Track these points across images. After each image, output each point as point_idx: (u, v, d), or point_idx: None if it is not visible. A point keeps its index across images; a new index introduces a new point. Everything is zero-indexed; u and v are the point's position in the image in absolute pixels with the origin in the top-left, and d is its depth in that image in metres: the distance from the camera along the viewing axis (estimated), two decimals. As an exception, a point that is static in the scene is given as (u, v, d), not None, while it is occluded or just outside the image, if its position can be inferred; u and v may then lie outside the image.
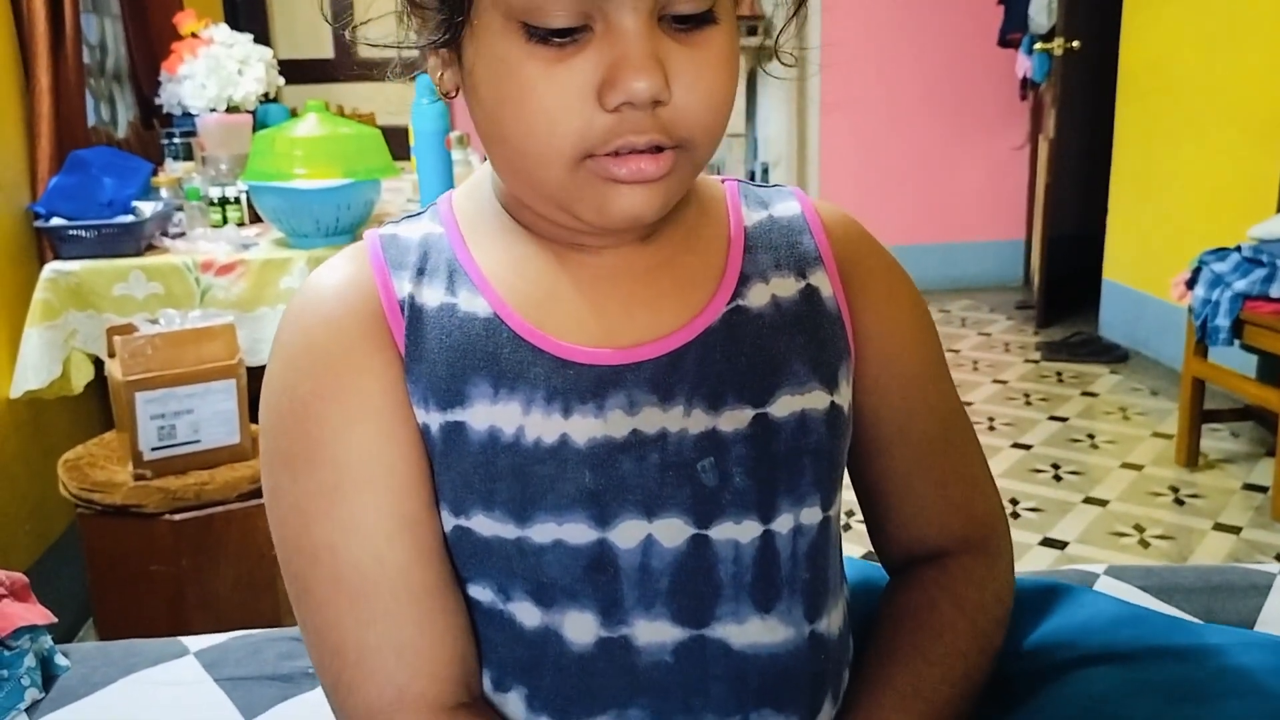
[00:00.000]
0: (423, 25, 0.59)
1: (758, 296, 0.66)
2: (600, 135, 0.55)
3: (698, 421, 0.62)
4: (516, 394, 0.61)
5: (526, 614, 0.63)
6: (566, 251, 0.64)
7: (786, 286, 0.67)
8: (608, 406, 0.61)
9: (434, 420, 0.62)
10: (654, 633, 0.62)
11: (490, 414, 0.61)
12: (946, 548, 0.73)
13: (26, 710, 0.92)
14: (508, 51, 0.55)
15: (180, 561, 1.77)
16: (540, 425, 0.61)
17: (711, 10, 0.56)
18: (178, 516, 1.75)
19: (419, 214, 0.69)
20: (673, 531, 0.62)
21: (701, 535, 0.62)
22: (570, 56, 0.54)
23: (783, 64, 0.66)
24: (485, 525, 0.61)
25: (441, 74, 0.61)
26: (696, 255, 0.67)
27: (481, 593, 0.64)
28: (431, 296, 0.64)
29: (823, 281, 0.69)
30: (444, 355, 0.62)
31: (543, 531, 0.61)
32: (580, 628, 0.62)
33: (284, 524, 0.63)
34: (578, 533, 0.61)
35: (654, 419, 0.62)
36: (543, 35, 0.54)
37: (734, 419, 0.63)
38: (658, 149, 0.56)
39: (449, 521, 0.63)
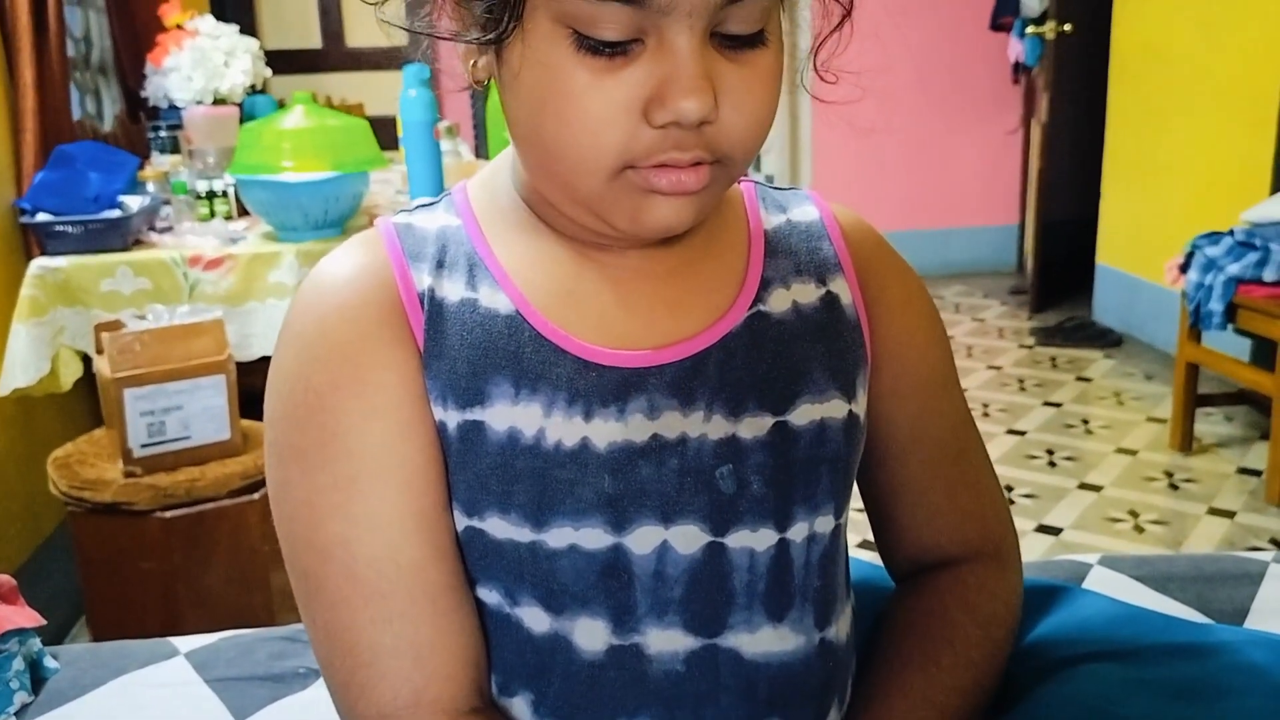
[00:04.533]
0: (463, 19, 0.57)
1: (779, 302, 0.66)
2: (644, 149, 0.54)
3: (718, 427, 0.62)
4: (538, 395, 0.60)
5: (535, 619, 0.62)
6: (588, 250, 0.63)
7: (807, 293, 0.67)
8: (629, 410, 0.60)
9: (452, 419, 0.60)
10: (666, 641, 0.61)
11: (510, 415, 0.60)
12: (957, 556, 0.72)
13: (15, 714, 0.91)
14: (555, 57, 0.54)
15: (172, 559, 1.76)
16: (561, 428, 0.60)
17: (763, 31, 0.56)
18: (169, 513, 1.74)
19: (432, 203, 0.68)
20: (689, 538, 0.61)
21: (717, 543, 0.61)
22: (620, 68, 0.53)
23: (824, 81, 0.64)
24: (499, 527, 0.60)
25: (475, 62, 0.59)
26: (717, 258, 0.66)
27: (489, 595, 0.63)
28: (452, 291, 0.62)
29: (842, 289, 0.68)
30: (464, 353, 0.61)
31: (559, 536, 0.59)
32: (591, 635, 0.61)
33: (293, 519, 0.61)
34: (593, 538, 0.60)
35: (674, 424, 0.61)
36: (593, 45, 0.53)
37: (754, 426, 0.62)
38: (698, 163, 0.56)
39: (461, 522, 0.62)
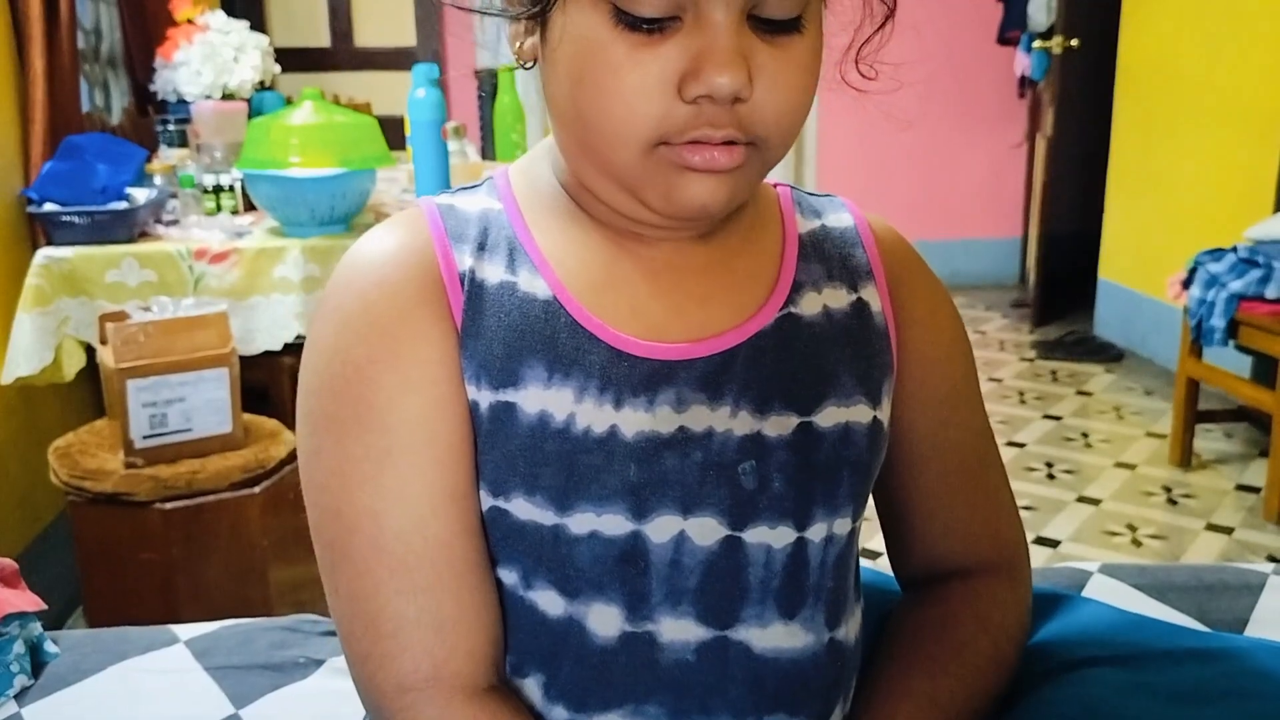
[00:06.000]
0: None
1: (810, 305, 0.66)
2: (677, 125, 0.55)
3: (743, 424, 0.62)
4: (570, 380, 0.61)
5: (550, 603, 0.62)
6: (624, 240, 0.64)
7: (838, 298, 0.68)
8: (658, 401, 0.61)
9: (484, 398, 0.61)
10: (678, 630, 0.62)
11: (543, 398, 0.60)
12: (970, 567, 0.73)
13: (15, 697, 0.91)
14: (595, 31, 0.55)
15: (170, 550, 1.76)
16: (591, 414, 0.60)
17: (800, 17, 0.56)
18: (168, 505, 1.74)
19: (474, 187, 0.68)
20: (706, 530, 0.61)
21: (735, 537, 0.62)
22: (657, 44, 0.54)
23: (863, 75, 0.65)
24: (524, 509, 0.61)
25: (521, 43, 0.61)
26: (751, 258, 0.67)
27: (507, 576, 0.63)
28: (492, 273, 0.63)
29: (873, 296, 0.69)
30: (501, 334, 0.61)
31: (581, 521, 0.60)
32: (605, 620, 0.61)
33: (323, 489, 0.62)
34: (614, 524, 0.60)
35: (701, 417, 0.62)
36: (632, 21, 0.54)
37: (779, 425, 0.63)
38: (730, 143, 0.56)
39: (486, 501, 0.62)
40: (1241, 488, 2.75)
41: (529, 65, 0.62)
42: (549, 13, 0.57)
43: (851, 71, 0.64)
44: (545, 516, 0.60)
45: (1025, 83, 4.53)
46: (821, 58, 0.59)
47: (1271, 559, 2.38)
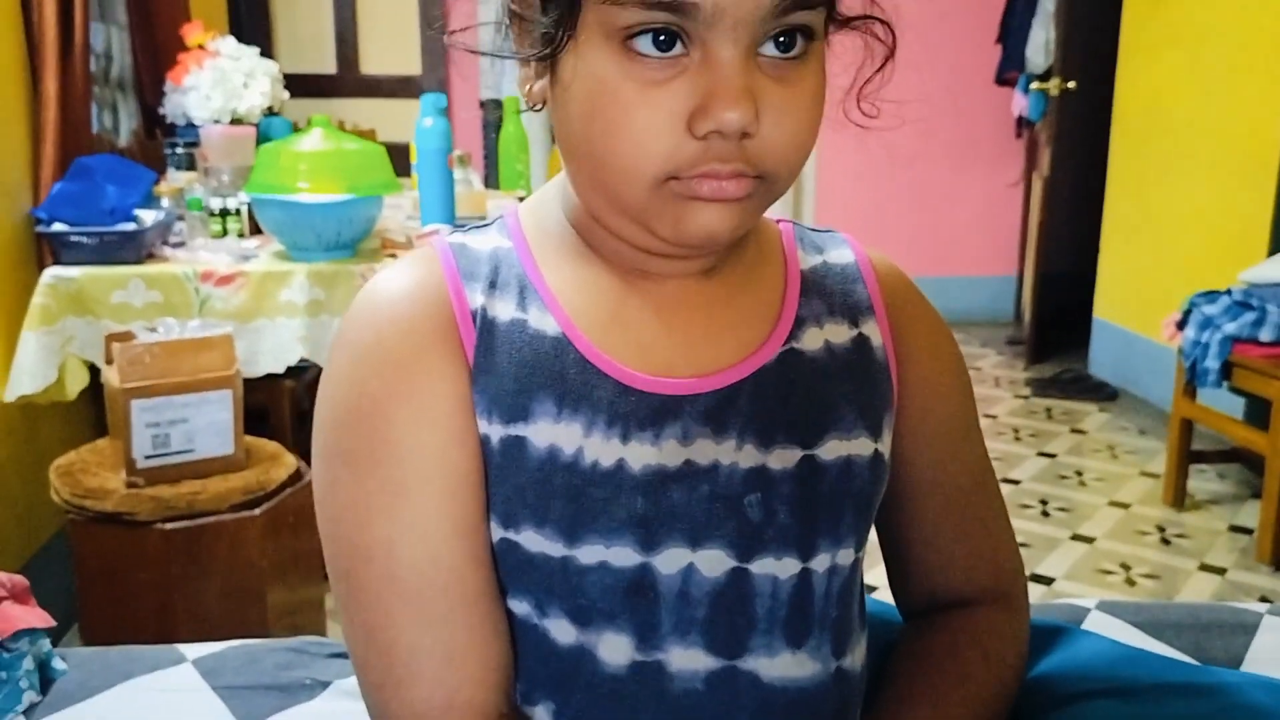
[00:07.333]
0: (521, 37, 0.61)
1: (812, 340, 0.68)
2: (687, 160, 0.57)
3: (748, 457, 0.64)
4: (579, 415, 0.62)
5: (562, 631, 0.63)
6: (632, 278, 0.66)
7: (839, 333, 0.69)
8: (664, 435, 0.62)
9: (495, 433, 0.62)
10: (687, 660, 0.63)
11: (552, 432, 0.62)
12: (970, 598, 0.74)
13: (24, 713, 0.92)
14: (606, 70, 0.56)
15: (169, 570, 1.76)
16: (599, 448, 0.62)
17: (807, 51, 0.58)
18: (169, 525, 1.74)
19: (486, 225, 0.70)
20: (714, 562, 0.63)
21: (741, 568, 0.63)
22: (667, 82, 0.56)
23: (863, 113, 0.66)
24: (534, 541, 0.62)
25: (531, 86, 0.62)
26: (754, 294, 0.68)
27: (518, 605, 0.64)
28: (503, 310, 0.64)
29: (873, 331, 0.71)
30: (512, 370, 0.63)
31: (590, 553, 0.61)
32: (615, 649, 0.62)
33: (338, 521, 0.63)
34: (623, 556, 0.61)
35: (707, 451, 0.63)
36: (639, 34, 0.55)
37: (783, 458, 0.64)
38: (739, 175, 0.58)
39: (496, 534, 0.63)
40: (1234, 529, 2.76)
41: (538, 108, 0.63)
42: (560, 54, 0.58)
43: (854, 108, 0.66)
44: (554, 548, 0.61)
45: (1023, 123, 4.59)
46: (825, 94, 0.61)
47: (1264, 600, 2.39)
